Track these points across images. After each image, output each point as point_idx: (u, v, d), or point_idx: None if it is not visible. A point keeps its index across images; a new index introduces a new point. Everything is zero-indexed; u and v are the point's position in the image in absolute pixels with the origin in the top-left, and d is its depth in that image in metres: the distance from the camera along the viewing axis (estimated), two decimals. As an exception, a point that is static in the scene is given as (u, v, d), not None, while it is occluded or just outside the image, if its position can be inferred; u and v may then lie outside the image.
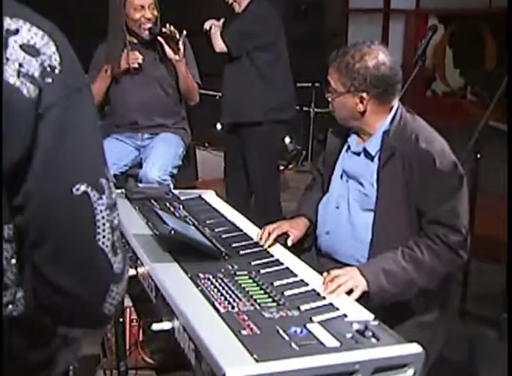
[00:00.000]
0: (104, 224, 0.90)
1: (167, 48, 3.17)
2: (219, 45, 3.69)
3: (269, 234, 2.06)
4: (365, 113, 2.00)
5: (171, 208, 2.43)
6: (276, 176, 4.11)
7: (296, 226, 2.16)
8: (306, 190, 2.40)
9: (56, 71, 0.86)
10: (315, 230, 2.21)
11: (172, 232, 1.82)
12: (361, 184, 2.04)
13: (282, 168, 5.59)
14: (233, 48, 3.67)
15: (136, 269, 1.91)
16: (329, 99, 2.05)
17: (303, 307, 1.54)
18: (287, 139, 6.08)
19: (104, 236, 0.90)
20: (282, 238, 2.10)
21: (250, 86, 3.74)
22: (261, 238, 2.07)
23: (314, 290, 1.69)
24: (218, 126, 6.82)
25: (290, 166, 6.16)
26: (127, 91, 3.27)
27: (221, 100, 3.96)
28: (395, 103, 2.03)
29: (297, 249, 2.07)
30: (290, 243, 2.09)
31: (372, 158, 2.03)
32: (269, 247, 2.04)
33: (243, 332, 1.37)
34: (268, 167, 3.92)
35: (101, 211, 0.90)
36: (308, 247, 2.21)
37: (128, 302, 2.22)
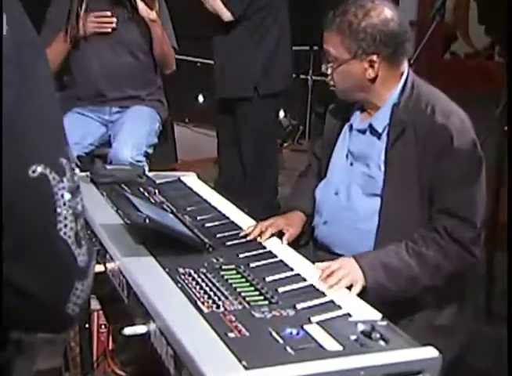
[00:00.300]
0: (66, 211, 0.90)
1: (140, 3, 3.15)
2: (225, 13, 3.64)
3: (261, 232, 2.05)
4: (376, 79, 2.00)
5: (145, 193, 2.44)
6: (273, 157, 4.14)
7: (292, 223, 2.16)
8: (300, 177, 2.41)
9: (3, 31, 0.85)
10: (312, 221, 2.23)
11: (147, 220, 1.83)
12: (366, 166, 2.05)
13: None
14: (234, 8, 3.64)
15: (105, 264, 1.92)
16: (329, 70, 2.04)
17: (299, 305, 1.56)
18: (281, 113, 6.07)
19: (66, 225, 0.90)
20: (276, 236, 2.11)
21: (242, 54, 3.75)
22: (250, 234, 2.05)
23: (312, 286, 1.70)
24: (200, 98, 6.81)
25: (285, 144, 6.16)
26: (90, 56, 3.24)
27: (213, 70, 3.98)
28: (405, 67, 2.04)
29: (293, 246, 2.08)
30: (285, 242, 2.07)
31: (379, 136, 2.04)
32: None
33: (230, 335, 1.39)
34: (264, 146, 3.94)
35: (62, 197, 0.90)
36: (304, 244, 2.22)
37: (95, 305, 2.21)
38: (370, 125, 2.06)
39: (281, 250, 1.96)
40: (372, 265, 1.86)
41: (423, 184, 1.95)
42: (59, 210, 0.89)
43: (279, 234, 2.10)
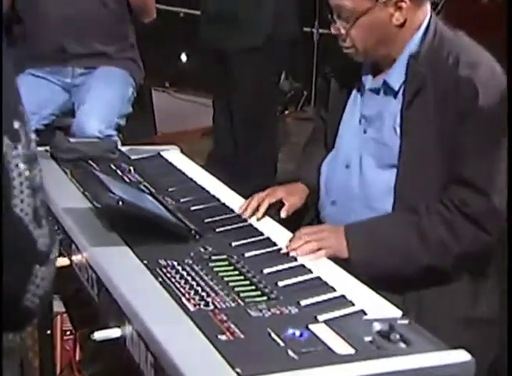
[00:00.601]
0: (22, 184, 0.90)
1: None
2: None
3: (259, 205, 2.10)
4: (405, 25, 2.01)
5: (118, 171, 2.46)
6: (270, 126, 4.16)
7: (293, 193, 2.22)
8: (306, 147, 2.44)
9: None
10: (318, 201, 2.26)
11: (120, 203, 1.83)
12: (380, 131, 2.07)
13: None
14: None
15: (70, 257, 1.93)
16: (342, 30, 2.04)
17: (304, 302, 1.58)
18: (282, 75, 6.05)
19: (23, 201, 0.91)
20: (273, 209, 2.14)
21: None
22: (245, 209, 2.10)
23: (319, 278, 1.72)
24: (184, 57, 6.79)
25: (286, 112, 6.16)
26: (47, 2, 3.22)
27: (200, 19, 3.99)
28: (428, 10, 2.06)
29: (294, 225, 2.10)
30: (284, 214, 2.14)
31: (395, 94, 2.05)
32: (258, 220, 2.09)
33: (222, 337, 1.40)
34: (260, 112, 3.96)
35: (17, 166, 0.90)
36: (308, 224, 2.24)
37: (58, 306, 2.23)
38: (385, 83, 2.08)
39: (281, 236, 1.97)
40: (360, 236, 1.93)
41: (445, 151, 1.97)
42: (13, 182, 0.90)
43: (278, 206, 2.14)
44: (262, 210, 2.10)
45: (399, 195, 2.02)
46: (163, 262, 1.75)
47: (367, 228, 1.98)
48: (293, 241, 1.88)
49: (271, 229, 2.04)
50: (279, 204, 2.17)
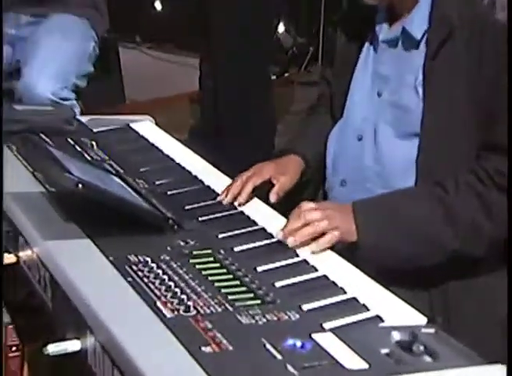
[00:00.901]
0: None
1: None
2: None
3: (243, 186, 2.14)
4: None
5: (77, 147, 2.48)
6: (266, 92, 4.19)
7: (284, 170, 2.24)
8: (307, 115, 2.48)
9: None
10: (324, 182, 2.29)
11: (79, 186, 1.84)
12: (399, 92, 2.09)
13: (273, 77, 5.59)
14: None
15: (17, 253, 1.95)
16: None
17: (306, 306, 1.60)
18: (281, 28, 6.05)
19: None
20: (263, 190, 2.18)
21: None
22: (227, 193, 2.14)
23: (325, 277, 1.74)
24: (158, 5, 6.79)
25: (287, 74, 6.16)
26: None
27: None
28: None
29: (288, 207, 2.13)
30: (273, 198, 2.17)
31: (417, 44, 2.07)
32: (240, 206, 2.13)
33: (206, 349, 1.41)
34: (253, 74, 3.98)
35: None
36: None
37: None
38: (404, 31, 2.09)
39: (279, 226, 1.98)
40: (372, 215, 1.95)
41: (478, 112, 1.98)
42: None
43: (268, 187, 2.18)
44: (245, 195, 2.14)
45: (422, 169, 2.04)
46: (133, 259, 1.77)
47: (380, 204, 2.00)
48: (290, 221, 1.90)
49: (266, 217, 2.06)
50: (268, 184, 2.19)
